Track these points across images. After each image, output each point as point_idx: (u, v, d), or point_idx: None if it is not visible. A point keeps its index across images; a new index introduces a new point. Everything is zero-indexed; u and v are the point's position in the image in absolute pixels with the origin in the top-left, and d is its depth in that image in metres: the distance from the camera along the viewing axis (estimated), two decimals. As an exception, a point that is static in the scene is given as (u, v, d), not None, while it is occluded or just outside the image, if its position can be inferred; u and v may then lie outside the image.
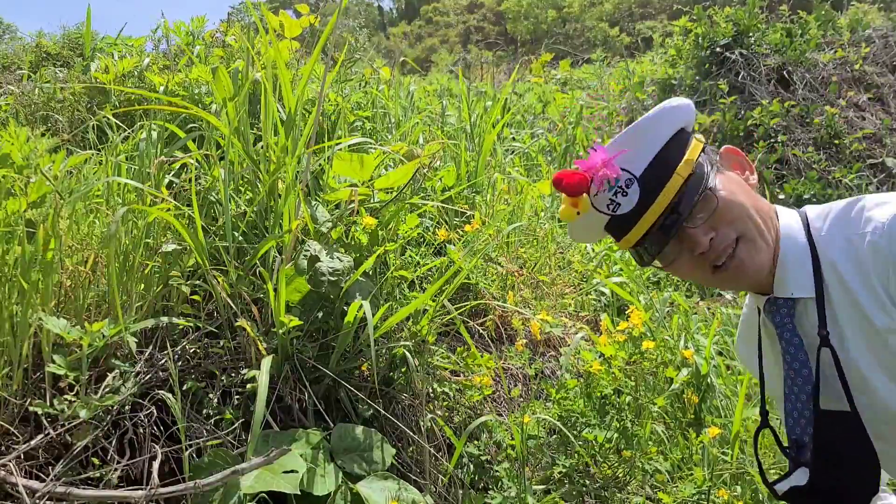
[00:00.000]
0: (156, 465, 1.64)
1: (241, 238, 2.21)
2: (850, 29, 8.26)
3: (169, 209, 2.06)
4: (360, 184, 2.37)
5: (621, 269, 3.52)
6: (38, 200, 1.85)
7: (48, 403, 1.66)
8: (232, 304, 2.02)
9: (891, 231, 1.08)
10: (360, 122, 3.55)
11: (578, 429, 2.24)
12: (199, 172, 2.47)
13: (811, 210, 1.25)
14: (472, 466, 2.16)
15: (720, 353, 3.14)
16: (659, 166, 1.18)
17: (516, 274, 2.90)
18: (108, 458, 1.71)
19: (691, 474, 2.25)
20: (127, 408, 1.79)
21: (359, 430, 1.96)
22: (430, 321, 2.24)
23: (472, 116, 4.27)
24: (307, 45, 4.44)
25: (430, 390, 2.27)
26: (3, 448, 1.64)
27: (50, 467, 1.64)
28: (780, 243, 1.21)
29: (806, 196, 5.98)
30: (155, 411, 1.82)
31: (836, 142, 6.62)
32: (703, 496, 2.13)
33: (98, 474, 1.65)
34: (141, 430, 1.79)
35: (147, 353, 1.93)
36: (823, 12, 8.32)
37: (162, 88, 3.10)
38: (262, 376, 1.77)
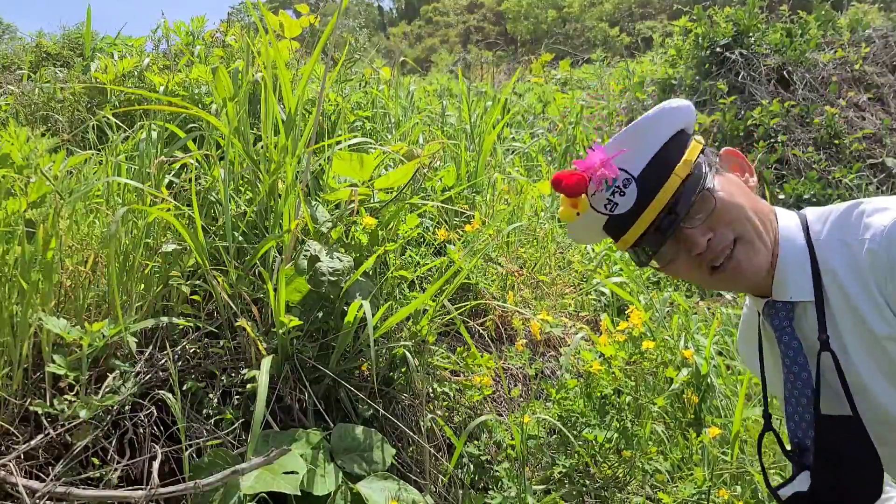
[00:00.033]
0: (156, 465, 1.64)
1: (241, 238, 2.21)
2: (850, 29, 8.27)
3: (169, 209, 2.06)
4: (360, 184, 2.37)
5: (621, 270, 3.52)
6: (38, 200, 1.85)
7: (48, 403, 1.66)
8: (232, 304, 2.02)
9: (889, 238, 1.08)
10: (360, 122, 3.55)
11: (578, 429, 2.24)
12: (199, 172, 2.47)
13: (811, 213, 1.25)
14: (472, 466, 2.16)
15: (720, 353, 3.14)
16: (657, 166, 1.18)
17: (516, 274, 2.90)
18: (108, 458, 1.71)
19: (691, 474, 2.25)
20: (127, 408, 1.79)
21: (359, 430, 1.96)
22: (430, 321, 2.24)
23: (473, 117, 4.27)
24: (307, 45, 4.44)
25: (430, 390, 2.27)
26: (3, 448, 1.64)
27: (50, 467, 1.64)
28: (778, 246, 1.20)
29: (806, 196, 5.98)
30: (155, 411, 1.82)
31: (836, 142, 6.63)
32: (703, 496, 2.13)
33: (98, 474, 1.65)
34: (141, 430, 1.79)
35: (147, 353, 1.93)
36: (823, 12, 8.33)
37: (162, 88, 3.10)
38: (263, 376, 1.77)
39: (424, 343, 2.24)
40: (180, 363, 1.97)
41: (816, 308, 1.17)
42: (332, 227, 2.20)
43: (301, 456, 1.74)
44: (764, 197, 1.31)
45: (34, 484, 1.53)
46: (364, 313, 1.96)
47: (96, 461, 1.68)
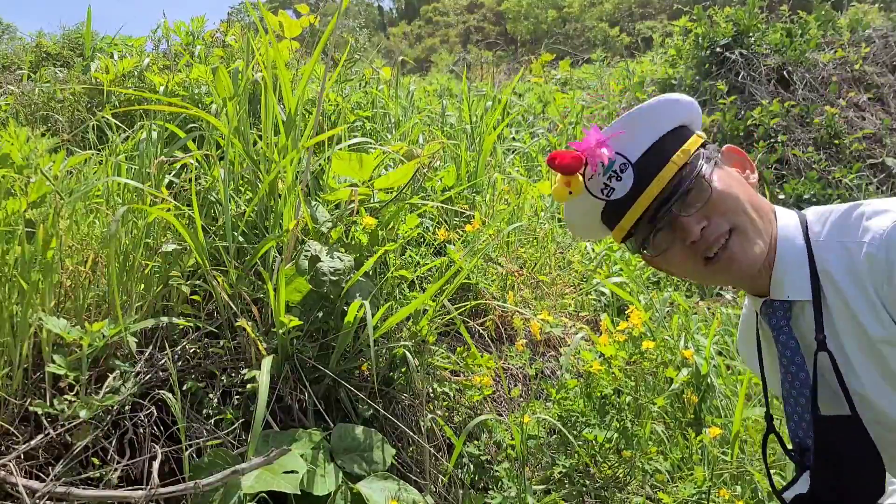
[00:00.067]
0: (156, 465, 1.64)
1: (241, 238, 2.21)
2: (850, 29, 8.27)
3: (169, 209, 2.06)
4: (360, 184, 2.37)
5: (621, 270, 3.52)
6: (38, 200, 1.85)
7: (48, 403, 1.66)
8: (232, 304, 2.02)
9: (888, 242, 1.08)
10: (361, 122, 3.55)
11: (578, 429, 2.24)
12: (199, 172, 2.47)
13: (811, 213, 1.24)
14: (472, 466, 2.16)
15: (720, 353, 3.14)
16: (655, 154, 1.18)
17: (516, 274, 2.90)
18: (108, 458, 1.71)
19: (691, 474, 2.26)
20: (127, 408, 1.79)
21: (359, 430, 1.96)
22: (430, 321, 2.24)
23: (473, 117, 4.27)
24: (307, 44, 4.44)
25: (430, 390, 2.27)
26: (3, 448, 1.64)
27: (50, 467, 1.64)
28: (777, 245, 1.20)
29: (806, 196, 5.98)
30: (155, 411, 1.82)
31: (836, 142, 6.62)
32: (703, 496, 2.14)
33: (98, 474, 1.65)
34: (141, 430, 1.79)
35: (147, 353, 1.93)
36: (823, 12, 8.33)
37: (162, 88, 3.10)
38: (263, 376, 1.77)
39: (424, 343, 2.24)
40: (180, 363, 1.97)
41: (814, 307, 1.16)
42: (332, 227, 2.20)
43: (301, 456, 1.74)
44: (764, 196, 1.30)
45: (34, 484, 1.53)
46: (364, 313, 1.96)
47: (96, 461, 1.68)
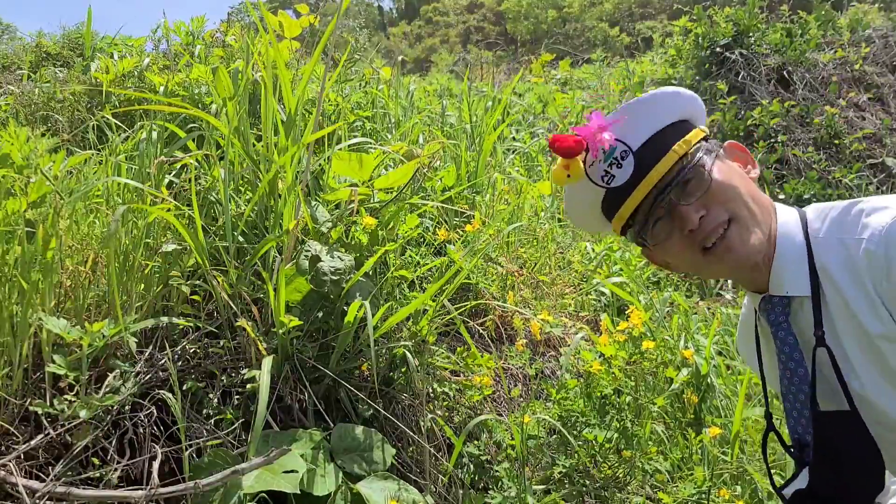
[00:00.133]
0: (156, 465, 1.64)
1: (241, 238, 2.21)
2: (850, 29, 8.27)
3: (169, 209, 2.06)
4: (360, 184, 2.37)
5: (621, 270, 3.52)
6: (38, 200, 1.85)
7: (48, 403, 1.66)
8: (232, 304, 2.02)
9: (887, 238, 1.08)
10: (361, 122, 3.55)
11: (578, 429, 2.24)
12: (199, 172, 2.47)
13: (811, 210, 1.25)
14: (472, 466, 2.16)
15: (720, 353, 3.14)
16: (656, 143, 1.19)
17: (516, 274, 2.90)
18: (108, 458, 1.71)
19: (691, 474, 2.26)
20: (127, 408, 1.79)
21: (359, 430, 1.96)
22: (430, 321, 2.24)
23: (473, 117, 4.27)
24: (307, 44, 4.44)
25: (430, 390, 2.27)
26: (3, 448, 1.64)
27: (50, 467, 1.64)
28: (777, 241, 1.20)
29: (806, 196, 5.98)
30: (155, 411, 1.82)
31: (836, 142, 6.62)
32: (703, 496, 2.14)
33: (98, 474, 1.65)
34: (141, 430, 1.79)
35: (147, 353, 1.93)
36: (823, 12, 8.32)
37: (162, 88, 3.10)
38: (264, 376, 1.77)
39: (424, 343, 2.24)
40: (180, 363, 1.97)
41: (812, 304, 1.16)
42: (332, 227, 2.20)
43: (301, 456, 1.74)
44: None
45: (34, 484, 1.53)
46: (364, 313, 1.96)
47: (96, 461, 1.68)
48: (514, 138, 5.75)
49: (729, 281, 4.48)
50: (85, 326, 1.72)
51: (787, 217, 1.23)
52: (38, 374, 1.77)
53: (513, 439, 2.17)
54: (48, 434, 1.65)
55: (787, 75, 7.33)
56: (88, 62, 4.18)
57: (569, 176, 1.20)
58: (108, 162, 2.43)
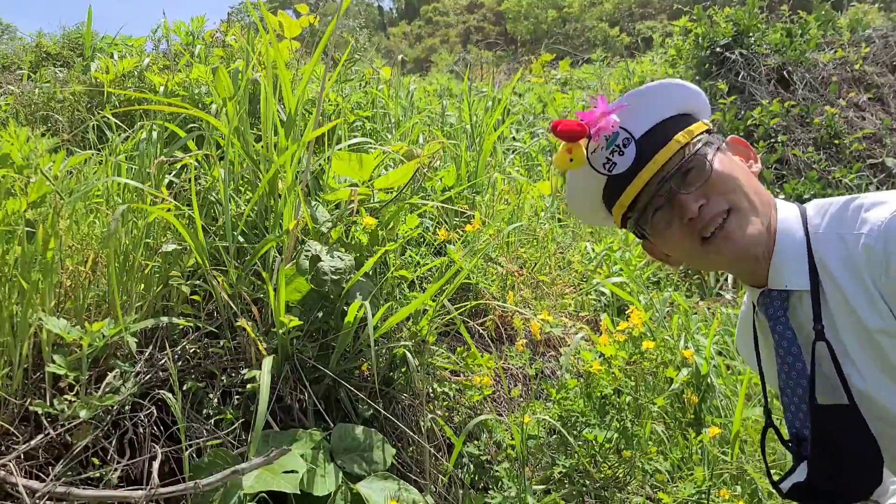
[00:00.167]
0: (156, 465, 1.64)
1: (241, 238, 2.21)
2: (850, 29, 8.26)
3: (169, 209, 2.06)
4: (360, 184, 2.37)
5: (621, 270, 3.52)
6: (38, 200, 1.85)
7: (48, 403, 1.66)
8: (232, 304, 2.02)
9: (886, 233, 1.08)
10: (361, 122, 3.55)
11: (578, 429, 2.24)
12: (199, 172, 2.47)
13: (811, 206, 1.25)
14: (472, 466, 2.16)
15: (720, 353, 3.14)
16: (658, 132, 1.20)
17: (516, 274, 2.90)
18: (108, 458, 1.71)
19: (691, 474, 2.26)
20: (127, 408, 1.79)
21: (359, 430, 1.96)
22: (430, 321, 2.24)
23: (473, 117, 4.27)
24: (307, 44, 4.44)
25: (430, 390, 2.27)
26: (3, 448, 1.64)
27: (50, 467, 1.64)
28: (777, 236, 1.20)
29: (806, 196, 5.98)
30: (155, 411, 1.82)
31: (836, 142, 6.62)
32: (703, 496, 2.14)
33: (98, 474, 1.65)
34: (141, 430, 1.79)
35: (147, 353, 1.93)
36: (823, 12, 8.32)
37: (162, 88, 3.10)
38: (264, 376, 1.77)
39: (424, 343, 2.24)
40: (180, 363, 1.97)
41: (812, 298, 1.17)
42: (332, 227, 2.20)
43: (301, 456, 1.74)
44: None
45: (34, 484, 1.53)
46: (364, 313, 1.96)
47: (96, 461, 1.68)
48: (514, 138, 5.76)
49: (729, 280, 4.48)
50: (85, 326, 1.72)
51: (787, 213, 1.23)
52: (38, 374, 1.77)
53: (513, 439, 2.17)
54: (48, 434, 1.65)
55: (787, 75, 7.33)
56: (88, 62, 4.18)
57: (571, 160, 1.21)
58: (108, 162, 2.43)
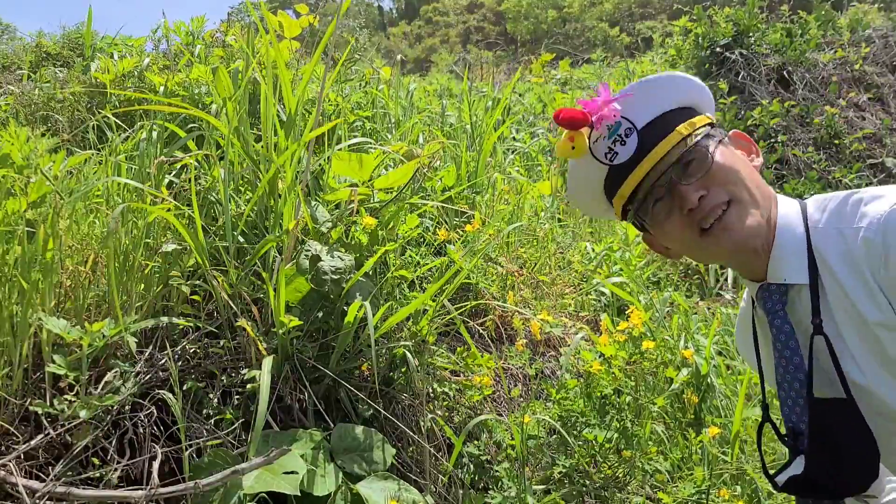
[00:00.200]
0: (156, 465, 1.64)
1: (241, 238, 2.21)
2: (850, 29, 8.26)
3: (169, 209, 2.06)
4: (360, 184, 2.37)
5: (621, 270, 3.52)
6: (38, 200, 1.85)
7: (48, 403, 1.66)
8: (232, 304, 2.02)
9: (885, 226, 1.08)
10: (361, 122, 3.55)
11: (578, 429, 2.24)
12: (199, 172, 2.47)
13: (811, 201, 1.26)
14: (472, 466, 2.16)
15: (720, 353, 3.14)
16: (661, 123, 1.20)
17: (516, 274, 2.90)
18: (108, 458, 1.71)
19: (691, 474, 2.26)
20: (127, 408, 1.79)
21: (359, 430, 1.96)
22: (430, 321, 2.24)
23: (473, 117, 4.27)
24: (307, 44, 4.44)
25: (430, 390, 2.27)
26: (3, 448, 1.64)
27: (50, 467, 1.64)
28: (777, 230, 1.21)
29: (806, 196, 5.99)
30: (155, 411, 1.82)
31: (836, 142, 6.62)
32: (703, 496, 2.14)
33: (98, 474, 1.65)
34: (141, 430, 1.79)
35: (147, 353, 1.93)
36: (823, 12, 8.32)
37: (162, 88, 3.10)
38: (264, 376, 1.77)
39: (424, 343, 2.24)
40: (180, 363, 1.97)
41: (811, 291, 1.17)
42: (332, 227, 2.20)
43: (301, 456, 1.74)
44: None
45: (34, 484, 1.53)
46: (364, 313, 1.96)
47: (96, 461, 1.68)
48: (514, 138, 5.76)
49: (729, 280, 4.48)
50: (85, 326, 1.72)
51: (787, 208, 1.24)
52: (38, 374, 1.77)
53: (513, 439, 2.17)
54: (48, 434, 1.65)
55: (787, 75, 7.33)
56: (88, 62, 4.18)
57: (573, 148, 1.21)
58: (108, 162, 2.43)
